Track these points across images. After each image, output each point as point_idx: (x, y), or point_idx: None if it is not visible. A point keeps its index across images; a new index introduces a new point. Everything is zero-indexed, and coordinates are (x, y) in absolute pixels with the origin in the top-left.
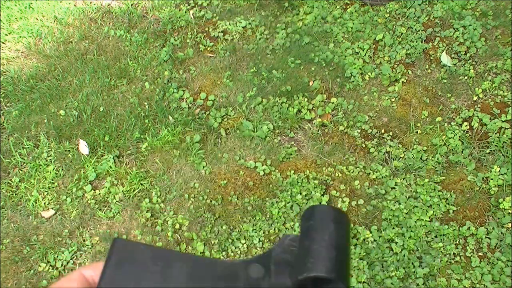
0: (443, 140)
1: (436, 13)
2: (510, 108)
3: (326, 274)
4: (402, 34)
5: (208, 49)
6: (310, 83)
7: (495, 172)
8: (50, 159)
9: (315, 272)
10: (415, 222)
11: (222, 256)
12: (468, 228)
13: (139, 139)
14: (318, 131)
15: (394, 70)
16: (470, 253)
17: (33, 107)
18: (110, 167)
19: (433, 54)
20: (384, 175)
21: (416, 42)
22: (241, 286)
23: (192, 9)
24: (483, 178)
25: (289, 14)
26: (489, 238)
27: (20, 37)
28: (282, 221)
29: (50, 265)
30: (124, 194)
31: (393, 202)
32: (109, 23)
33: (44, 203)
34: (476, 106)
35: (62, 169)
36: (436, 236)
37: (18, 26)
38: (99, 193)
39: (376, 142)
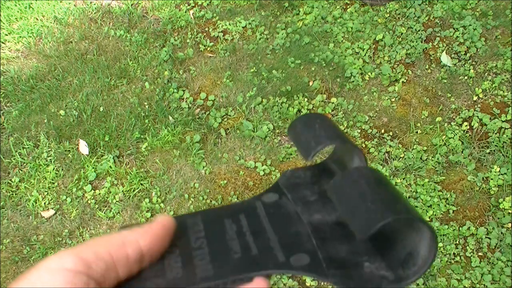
0: (443, 140)
1: (436, 13)
2: (510, 108)
3: (330, 141)
4: (402, 34)
5: (208, 49)
6: (310, 83)
7: (495, 172)
8: (50, 159)
9: (320, 146)
10: None
11: None
12: (468, 228)
13: (139, 139)
14: None
15: (394, 70)
16: (470, 253)
17: (33, 107)
18: (110, 167)
19: (433, 54)
20: (384, 175)
21: (416, 42)
22: (262, 213)
23: (192, 9)
24: (483, 178)
25: (289, 14)
26: (489, 238)
27: (20, 37)
28: None
29: None
30: (124, 194)
31: None
32: (109, 23)
33: (44, 203)
34: (476, 106)
35: (62, 169)
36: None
37: (18, 26)
38: (99, 193)
39: (376, 142)
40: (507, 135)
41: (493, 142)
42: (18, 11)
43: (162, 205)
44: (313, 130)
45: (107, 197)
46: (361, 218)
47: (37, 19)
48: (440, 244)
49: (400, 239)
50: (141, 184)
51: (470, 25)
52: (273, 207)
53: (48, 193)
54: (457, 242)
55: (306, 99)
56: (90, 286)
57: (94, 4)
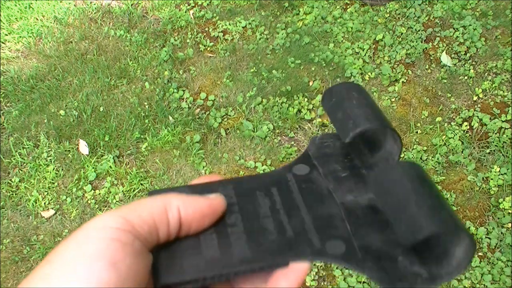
0: (443, 140)
1: (436, 13)
2: (510, 108)
3: (370, 125)
4: (402, 34)
5: (208, 49)
6: (310, 83)
7: (495, 172)
8: (50, 159)
9: (359, 128)
10: None
11: None
12: (468, 228)
13: (139, 139)
14: (318, 131)
15: (394, 70)
16: None
17: (33, 107)
18: (110, 167)
19: (433, 54)
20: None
21: (416, 42)
22: (294, 188)
23: (192, 9)
24: (483, 178)
25: (289, 14)
26: (489, 238)
27: (20, 37)
28: None
29: None
30: (124, 194)
31: None
32: (109, 23)
33: (44, 203)
34: (476, 106)
35: (62, 169)
36: None
37: (18, 26)
38: (99, 193)
39: None
40: (507, 135)
41: (493, 142)
42: (18, 11)
43: None
44: (351, 107)
45: (107, 197)
46: (406, 224)
47: (37, 19)
48: None
49: (437, 235)
50: (141, 184)
51: (470, 25)
52: (305, 181)
53: (48, 193)
54: None
55: (306, 99)
56: (135, 243)
57: (94, 4)
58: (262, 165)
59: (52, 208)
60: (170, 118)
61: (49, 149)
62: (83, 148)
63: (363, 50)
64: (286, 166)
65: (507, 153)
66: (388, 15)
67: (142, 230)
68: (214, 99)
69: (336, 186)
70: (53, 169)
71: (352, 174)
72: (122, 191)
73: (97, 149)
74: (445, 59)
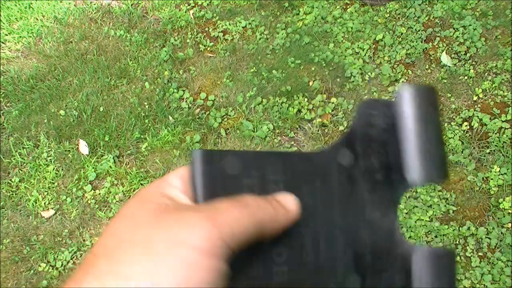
0: None
1: (436, 13)
2: (510, 108)
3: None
4: (402, 34)
5: (208, 49)
6: (310, 83)
7: (495, 172)
8: (50, 159)
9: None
10: (415, 222)
11: None
12: (468, 228)
13: (139, 139)
14: (318, 131)
15: (394, 70)
16: (470, 253)
17: (33, 107)
18: (110, 167)
19: (433, 54)
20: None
21: (416, 42)
22: (335, 183)
23: (192, 9)
24: (483, 178)
25: (289, 14)
26: (489, 238)
27: (20, 37)
28: None
29: (50, 265)
30: (124, 194)
31: None
32: (109, 23)
33: (44, 203)
34: (476, 106)
35: (62, 169)
36: (436, 236)
37: (18, 26)
38: (99, 193)
39: None
40: (507, 135)
41: (493, 142)
42: (18, 11)
43: None
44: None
45: (107, 197)
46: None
47: (37, 19)
48: (440, 244)
49: None
50: (141, 184)
51: (470, 25)
52: (345, 182)
53: (48, 193)
54: (457, 242)
55: (306, 99)
56: (224, 250)
57: (94, 4)
58: None
59: (52, 208)
60: (170, 118)
61: (49, 149)
62: (83, 148)
63: (363, 50)
64: (333, 148)
65: (507, 153)
66: (388, 15)
67: (233, 244)
68: (214, 99)
69: (369, 197)
70: (53, 169)
71: (385, 177)
72: (122, 191)
73: (97, 149)
74: (445, 59)
